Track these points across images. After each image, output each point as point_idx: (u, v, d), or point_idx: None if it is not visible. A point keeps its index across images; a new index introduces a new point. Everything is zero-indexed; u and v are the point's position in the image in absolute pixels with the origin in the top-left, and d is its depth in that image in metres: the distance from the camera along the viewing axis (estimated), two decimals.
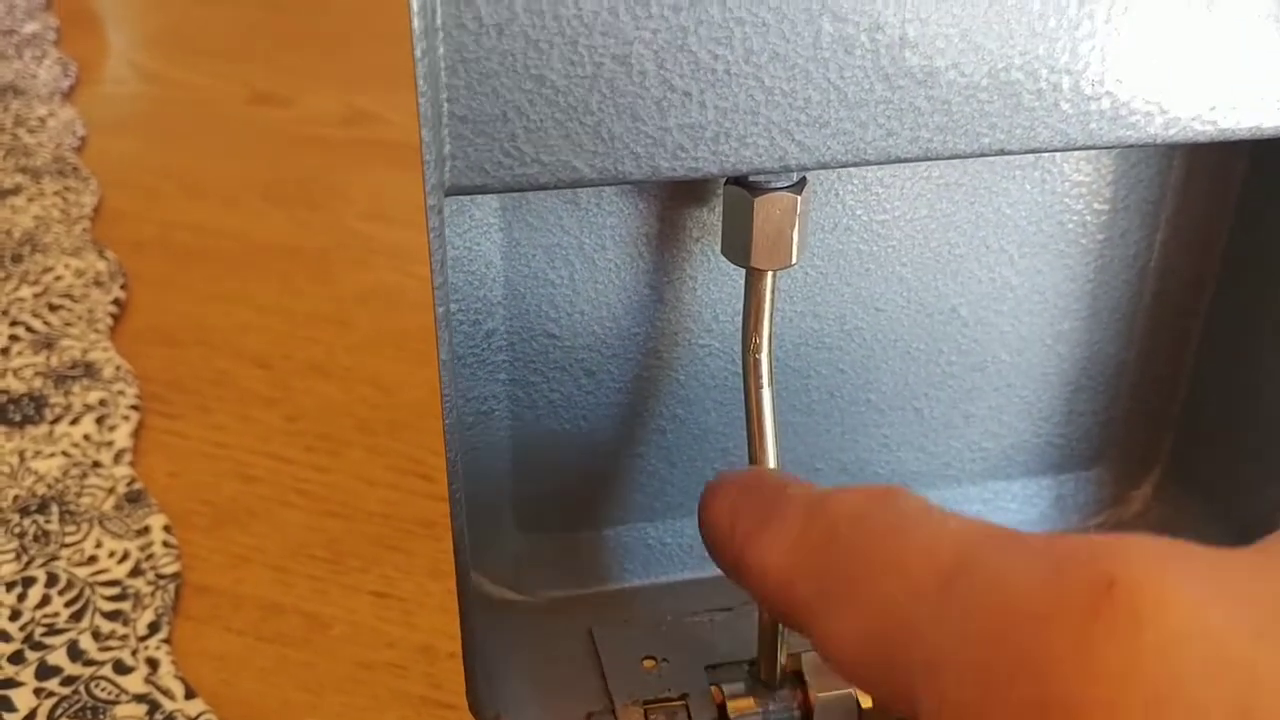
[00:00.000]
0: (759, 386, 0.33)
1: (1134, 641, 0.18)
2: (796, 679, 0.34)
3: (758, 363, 0.33)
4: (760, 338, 0.33)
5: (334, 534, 0.53)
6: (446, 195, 0.28)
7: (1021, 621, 0.19)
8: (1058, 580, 0.19)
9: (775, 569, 0.25)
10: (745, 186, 0.31)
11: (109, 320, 0.64)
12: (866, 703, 0.34)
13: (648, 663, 0.36)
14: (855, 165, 0.30)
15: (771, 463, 0.33)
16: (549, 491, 0.37)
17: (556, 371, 0.36)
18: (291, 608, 0.49)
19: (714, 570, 0.39)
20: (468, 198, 0.33)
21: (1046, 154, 0.36)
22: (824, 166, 0.30)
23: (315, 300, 0.69)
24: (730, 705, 0.34)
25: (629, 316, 0.35)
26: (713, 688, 0.34)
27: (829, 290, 0.36)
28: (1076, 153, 0.36)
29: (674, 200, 0.34)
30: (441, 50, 0.26)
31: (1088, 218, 0.37)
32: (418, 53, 0.25)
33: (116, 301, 0.66)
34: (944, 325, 0.38)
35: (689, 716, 0.34)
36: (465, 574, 0.30)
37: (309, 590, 0.50)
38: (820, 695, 0.34)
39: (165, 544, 0.50)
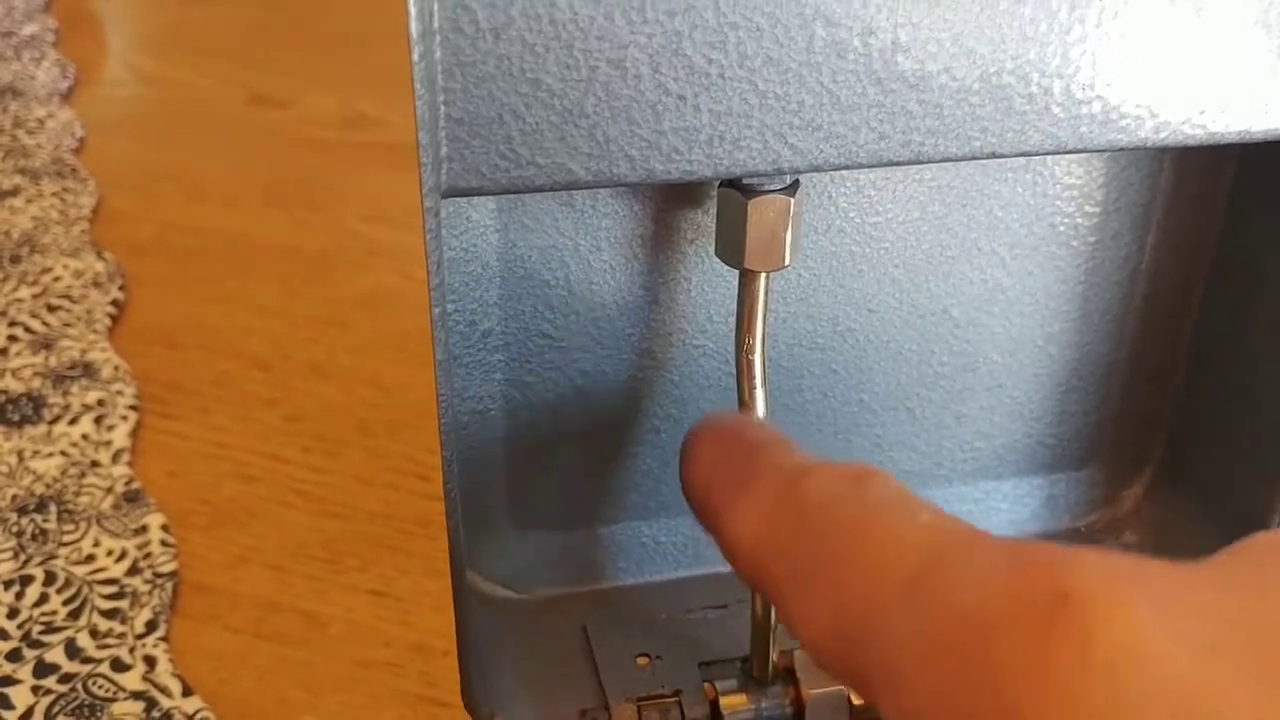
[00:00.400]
0: (752, 387, 0.33)
1: (1084, 658, 0.18)
2: (789, 676, 0.34)
3: (750, 363, 0.33)
4: (753, 338, 0.33)
5: (332, 534, 0.53)
6: (443, 197, 0.28)
7: (978, 631, 0.19)
8: (1015, 590, 0.19)
9: (748, 542, 0.25)
10: (739, 189, 0.31)
11: (107, 321, 0.64)
12: (858, 699, 0.34)
13: (641, 660, 0.36)
14: (848, 168, 0.30)
15: None
16: (544, 490, 0.38)
17: (552, 372, 0.36)
18: (289, 607, 0.49)
19: (708, 568, 0.39)
20: (464, 200, 0.33)
21: (1038, 157, 0.36)
22: (816, 169, 0.30)
23: (315, 302, 0.70)
24: (723, 702, 0.34)
25: (624, 318, 0.36)
26: (705, 685, 0.35)
27: (822, 291, 0.37)
28: (1068, 156, 0.36)
29: (668, 202, 0.34)
30: (439, 54, 0.26)
31: (1079, 220, 0.37)
32: (415, 56, 0.25)
33: (115, 302, 0.66)
34: (936, 326, 0.38)
35: (682, 713, 0.34)
36: (460, 572, 0.31)
37: (307, 589, 0.50)
38: (812, 692, 0.34)
39: (163, 543, 0.50)
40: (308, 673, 0.46)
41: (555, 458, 0.37)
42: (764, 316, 0.33)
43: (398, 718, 0.44)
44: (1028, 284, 0.38)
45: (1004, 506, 0.41)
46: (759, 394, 0.33)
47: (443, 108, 0.27)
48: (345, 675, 0.46)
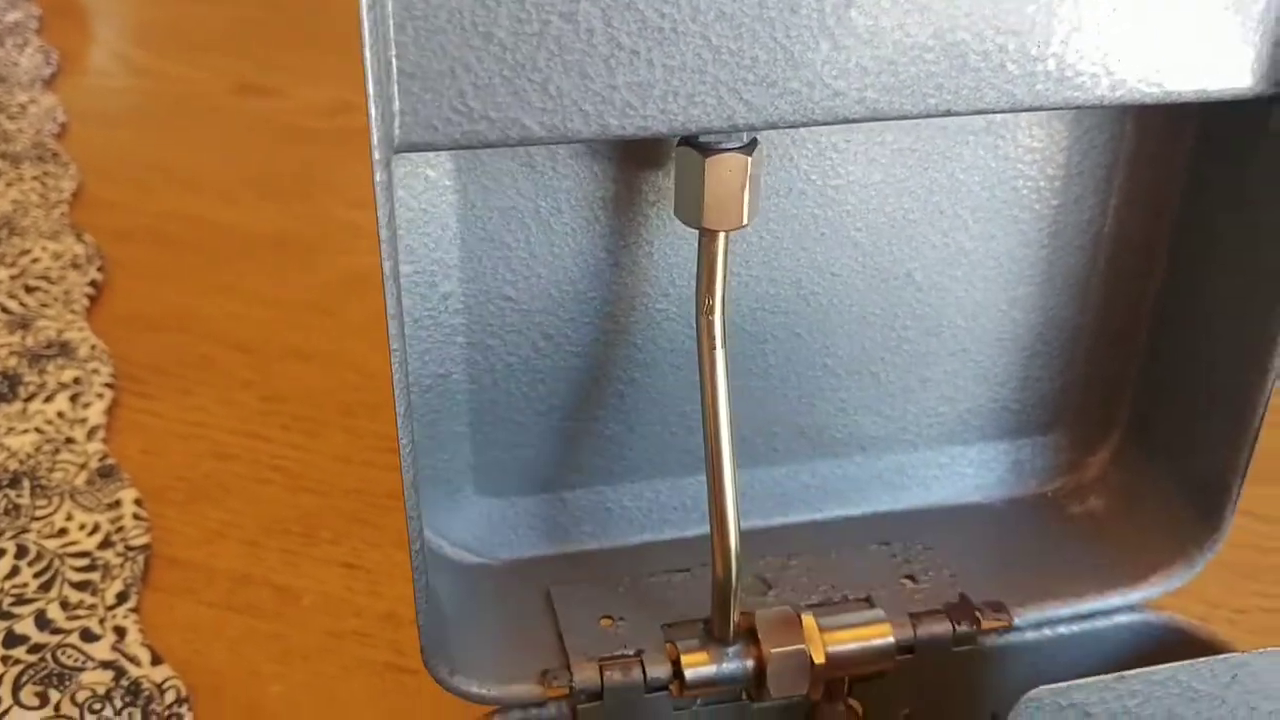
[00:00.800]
0: (712, 348, 0.33)
1: None
2: (750, 635, 0.35)
3: (710, 324, 0.33)
4: (713, 299, 0.33)
5: (308, 509, 0.53)
6: (397, 152, 0.28)
7: None
8: None
9: None
10: (697, 147, 0.31)
11: (85, 301, 0.64)
12: (819, 658, 0.34)
13: (605, 621, 0.36)
14: (803, 125, 0.30)
15: (724, 423, 0.33)
16: (508, 455, 0.38)
17: (513, 335, 0.36)
18: (262, 580, 0.49)
19: (672, 532, 0.39)
20: (421, 159, 0.33)
21: (999, 120, 0.36)
22: (772, 126, 0.30)
23: (300, 288, 0.70)
24: (684, 660, 0.34)
25: (585, 280, 0.36)
26: (668, 645, 0.35)
27: (784, 255, 0.37)
28: (1029, 119, 0.36)
29: (629, 163, 0.34)
30: (390, 6, 0.26)
31: (1041, 184, 0.37)
32: (364, 6, 0.25)
33: (93, 284, 0.66)
34: (899, 290, 0.38)
35: (644, 672, 0.34)
36: (417, 527, 0.31)
37: (280, 563, 0.50)
38: (773, 651, 0.34)
39: (136, 517, 0.50)
40: (279, 644, 0.46)
41: (519, 422, 0.37)
42: (724, 277, 0.33)
43: (366, 686, 0.44)
44: (990, 247, 0.38)
45: (969, 472, 0.41)
46: (719, 355, 0.33)
47: (394, 61, 0.27)
48: (316, 646, 0.46)
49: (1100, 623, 0.38)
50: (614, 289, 0.36)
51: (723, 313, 0.33)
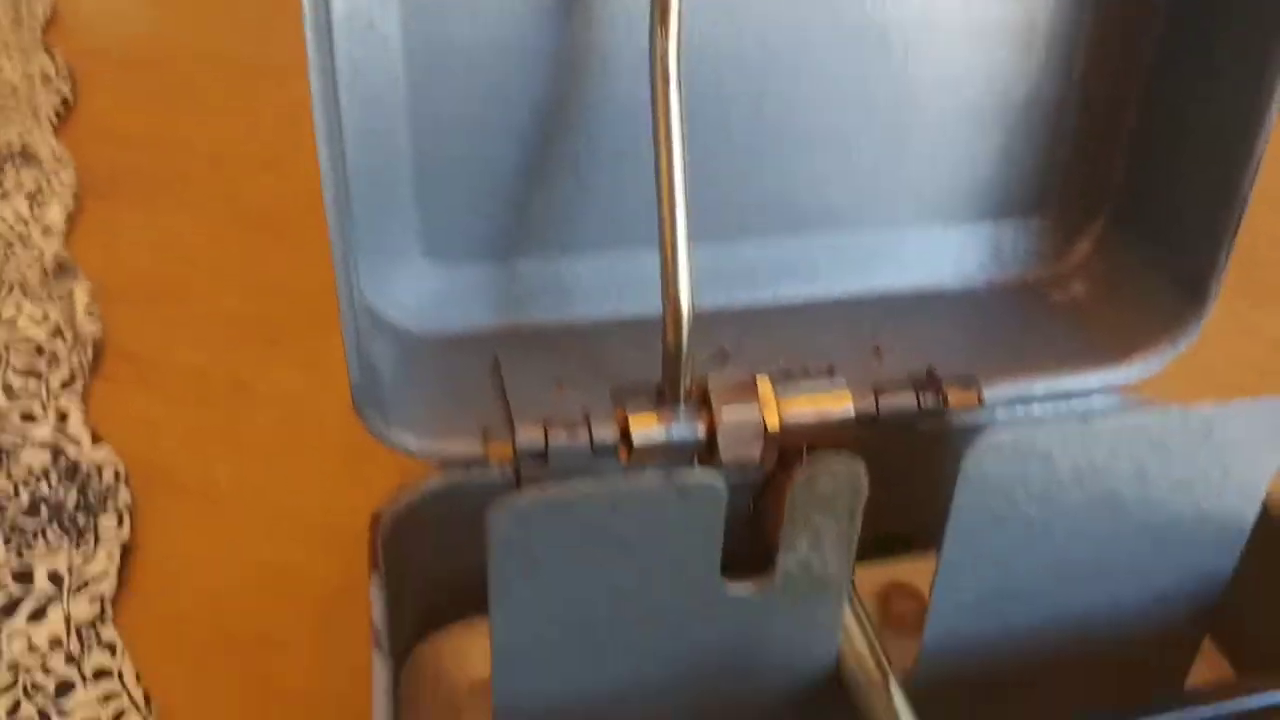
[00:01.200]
0: (666, 87, 0.31)
1: None
2: (703, 400, 0.33)
3: (665, 60, 0.31)
4: (667, 29, 0.31)
5: (270, 310, 0.51)
6: None
7: None
8: None
9: None
10: None
11: (53, 116, 0.62)
12: (773, 423, 0.33)
13: (554, 387, 0.35)
14: None
15: (678, 170, 0.31)
16: (456, 218, 0.36)
17: (458, 83, 0.34)
18: (219, 376, 0.48)
19: (630, 308, 0.37)
20: None
21: None
22: None
23: (272, 104, 0.68)
24: (633, 422, 0.32)
25: (536, 25, 0.33)
26: (616, 407, 0.33)
27: (747, 6, 0.34)
28: None
29: None
30: None
31: None
32: None
33: (64, 101, 0.64)
34: (872, 54, 0.36)
35: (590, 432, 0.32)
36: (341, 250, 0.29)
37: (239, 360, 0.49)
38: (724, 414, 0.32)
39: (88, 310, 0.49)
40: (231, 432, 0.45)
41: (467, 183, 0.35)
42: (679, 8, 0.31)
43: (318, 468, 0.43)
44: (967, 10, 0.36)
45: (949, 254, 0.39)
46: (674, 95, 0.31)
47: None
48: (269, 433, 0.45)
49: (1078, 406, 0.37)
50: (567, 35, 0.34)
51: (678, 47, 0.31)
